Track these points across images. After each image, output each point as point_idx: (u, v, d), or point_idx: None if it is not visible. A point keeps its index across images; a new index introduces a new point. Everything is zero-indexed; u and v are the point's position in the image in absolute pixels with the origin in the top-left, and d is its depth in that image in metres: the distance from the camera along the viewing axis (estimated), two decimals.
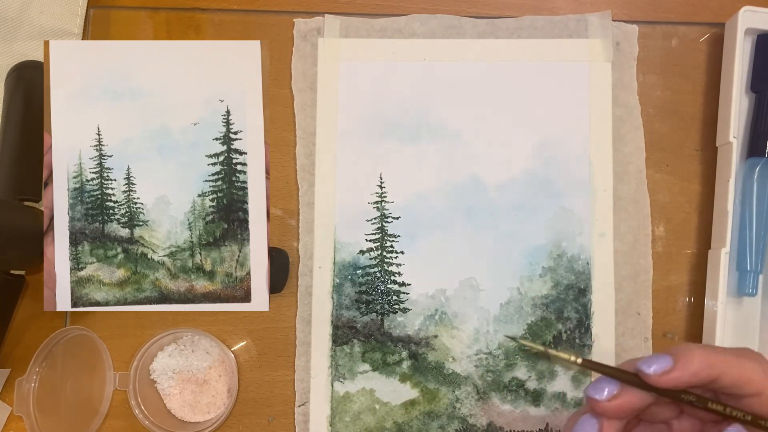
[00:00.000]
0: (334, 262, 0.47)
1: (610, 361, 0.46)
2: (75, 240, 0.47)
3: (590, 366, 0.33)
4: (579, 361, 0.33)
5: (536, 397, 0.46)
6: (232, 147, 0.47)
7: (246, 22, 0.50)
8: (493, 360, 0.46)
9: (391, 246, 0.47)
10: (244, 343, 0.48)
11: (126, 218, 0.47)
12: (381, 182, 0.48)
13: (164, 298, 0.47)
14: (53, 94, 0.47)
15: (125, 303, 0.47)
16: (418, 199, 0.47)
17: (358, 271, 0.47)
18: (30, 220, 0.45)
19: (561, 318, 0.46)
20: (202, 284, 0.47)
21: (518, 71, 0.48)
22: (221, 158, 0.47)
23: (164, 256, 0.47)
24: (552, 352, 0.35)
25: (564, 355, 0.34)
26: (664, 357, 0.31)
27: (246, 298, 0.47)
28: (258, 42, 0.47)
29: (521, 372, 0.46)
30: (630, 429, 0.34)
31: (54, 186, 0.47)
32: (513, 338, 0.45)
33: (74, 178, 0.47)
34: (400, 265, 0.47)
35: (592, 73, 0.48)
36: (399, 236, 0.47)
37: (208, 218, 0.47)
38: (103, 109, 0.47)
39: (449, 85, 0.48)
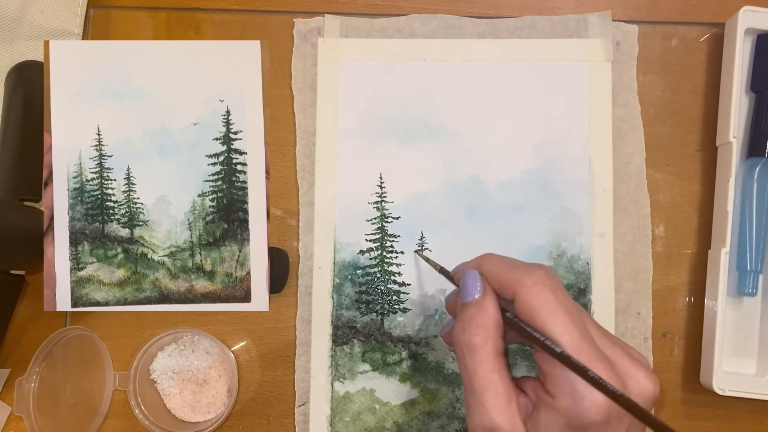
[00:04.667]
0: (334, 262, 0.47)
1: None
2: (75, 240, 0.47)
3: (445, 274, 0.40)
4: (438, 268, 0.42)
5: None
6: (232, 147, 0.47)
7: (246, 22, 0.50)
8: None
9: (391, 246, 0.47)
10: (244, 343, 0.48)
11: (126, 218, 0.47)
12: (381, 182, 0.48)
13: (164, 298, 0.47)
14: (53, 94, 0.47)
15: (125, 303, 0.47)
16: (418, 199, 0.47)
17: (358, 271, 0.47)
18: (30, 220, 0.45)
19: None
20: (202, 284, 0.47)
21: (518, 71, 0.48)
22: (221, 158, 0.47)
23: (164, 256, 0.47)
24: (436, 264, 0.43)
25: (434, 262, 0.43)
26: (473, 273, 0.34)
27: (246, 298, 0.47)
28: (258, 42, 0.47)
29: (521, 372, 0.46)
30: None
31: (54, 186, 0.47)
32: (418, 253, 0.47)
33: (74, 178, 0.47)
34: (400, 265, 0.47)
35: (592, 73, 0.48)
36: (399, 236, 0.47)
37: (208, 218, 0.47)
38: (103, 109, 0.47)
39: (449, 85, 0.48)
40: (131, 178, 0.47)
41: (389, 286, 0.47)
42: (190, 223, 0.47)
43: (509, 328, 0.33)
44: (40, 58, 0.48)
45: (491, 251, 0.46)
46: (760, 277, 0.46)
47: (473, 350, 0.31)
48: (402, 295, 0.47)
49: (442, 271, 0.41)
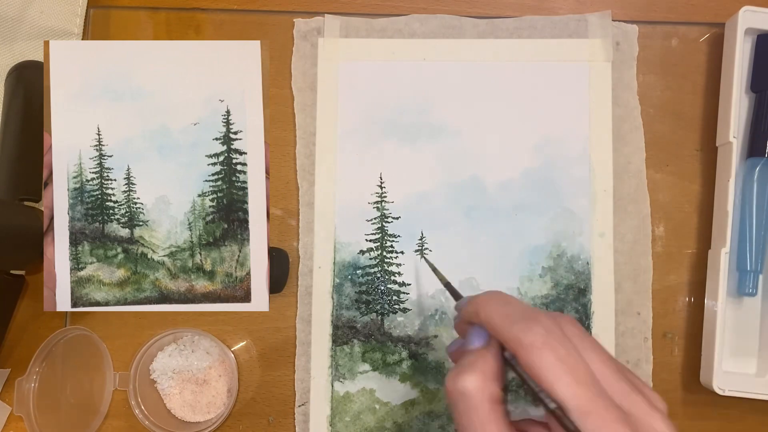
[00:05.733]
0: (334, 262, 0.47)
1: None
2: (75, 240, 0.47)
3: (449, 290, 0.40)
4: (444, 282, 0.41)
5: (536, 397, 0.46)
6: (232, 147, 0.47)
7: (246, 22, 0.50)
8: None
9: (391, 246, 0.47)
10: (244, 343, 0.48)
11: (126, 218, 0.47)
12: (381, 182, 0.48)
13: (164, 298, 0.47)
14: (53, 94, 0.47)
15: (125, 303, 0.47)
16: (418, 199, 0.47)
17: (358, 271, 0.47)
18: (30, 220, 0.45)
19: None
20: (202, 284, 0.47)
21: (518, 71, 0.48)
22: (221, 158, 0.47)
23: (164, 256, 0.47)
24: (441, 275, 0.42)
25: (441, 275, 0.42)
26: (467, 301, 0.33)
27: (246, 298, 0.47)
28: (258, 42, 0.47)
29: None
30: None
31: (54, 186, 0.47)
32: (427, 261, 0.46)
33: (74, 178, 0.47)
34: (400, 265, 0.47)
35: (592, 73, 0.48)
36: (399, 236, 0.47)
37: (208, 218, 0.47)
38: (103, 109, 0.47)
39: (449, 85, 0.48)
40: (131, 178, 0.47)
41: (389, 286, 0.47)
42: (190, 223, 0.47)
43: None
44: (40, 58, 0.48)
45: (491, 251, 0.47)
46: (760, 277, 0.46)
47: (467, 397, 0.29)
48: (402, 295, 0.47)
49: (447, 286, 0.40)
